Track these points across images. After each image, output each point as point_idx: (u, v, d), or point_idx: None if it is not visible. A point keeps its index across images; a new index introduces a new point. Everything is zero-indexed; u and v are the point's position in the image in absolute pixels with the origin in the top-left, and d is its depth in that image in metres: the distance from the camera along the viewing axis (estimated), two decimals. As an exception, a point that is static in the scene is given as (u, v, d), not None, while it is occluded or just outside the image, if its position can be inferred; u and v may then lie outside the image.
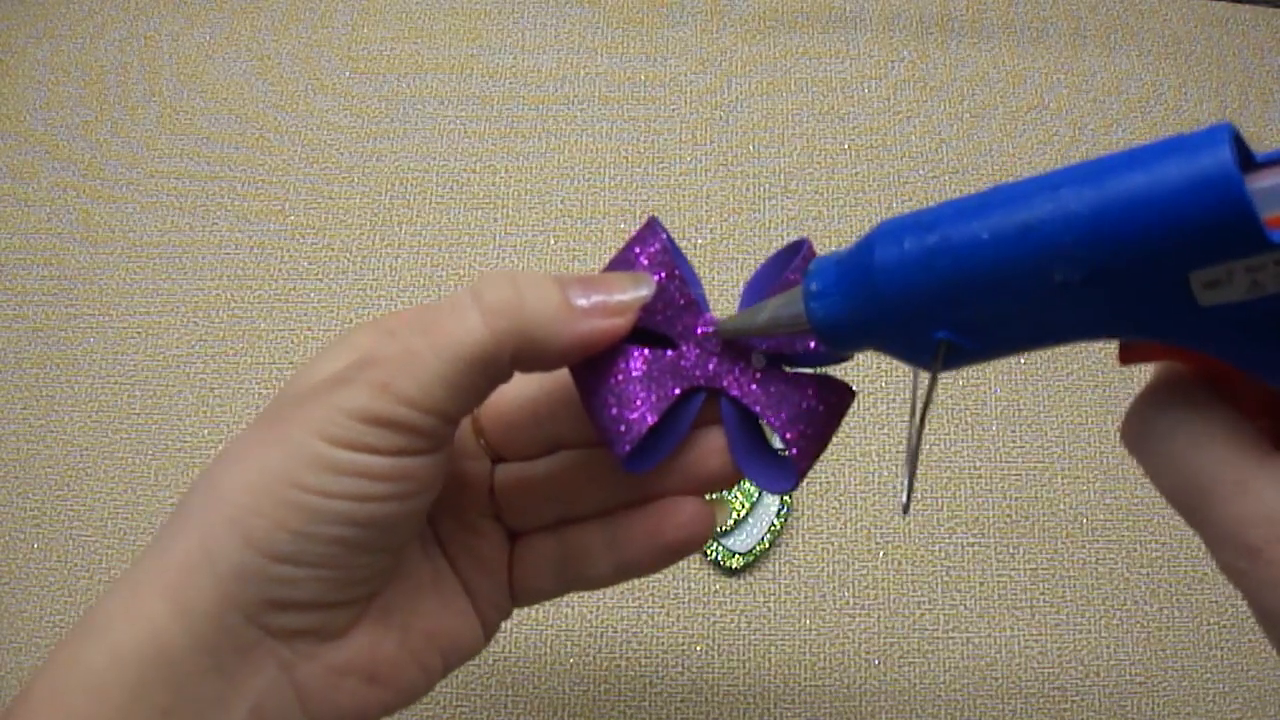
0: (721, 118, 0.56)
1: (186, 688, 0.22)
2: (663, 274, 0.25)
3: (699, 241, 0.52)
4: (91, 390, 0.49)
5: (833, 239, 0.53)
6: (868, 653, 0.44)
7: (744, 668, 0.44)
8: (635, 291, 0.24)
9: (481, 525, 0.28)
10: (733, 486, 0.27)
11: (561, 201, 0.53)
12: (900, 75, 0.57)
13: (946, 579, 0.46)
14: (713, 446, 0.26)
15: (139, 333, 0.50)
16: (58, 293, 0.51)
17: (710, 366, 0.25)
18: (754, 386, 0.25)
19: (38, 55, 0.58)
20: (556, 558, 0.28)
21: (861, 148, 0.55)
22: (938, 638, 0.44)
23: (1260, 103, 0.57)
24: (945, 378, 0.50)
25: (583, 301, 0.23)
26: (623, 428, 0.24)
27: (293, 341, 0.50)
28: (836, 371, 0.26)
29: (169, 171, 0.54)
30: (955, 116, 0.56)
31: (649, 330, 0.25)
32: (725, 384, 0.26)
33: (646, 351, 0.25)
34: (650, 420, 0.24)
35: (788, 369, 0.26)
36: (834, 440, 0.48)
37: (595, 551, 0.27)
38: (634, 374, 0.24)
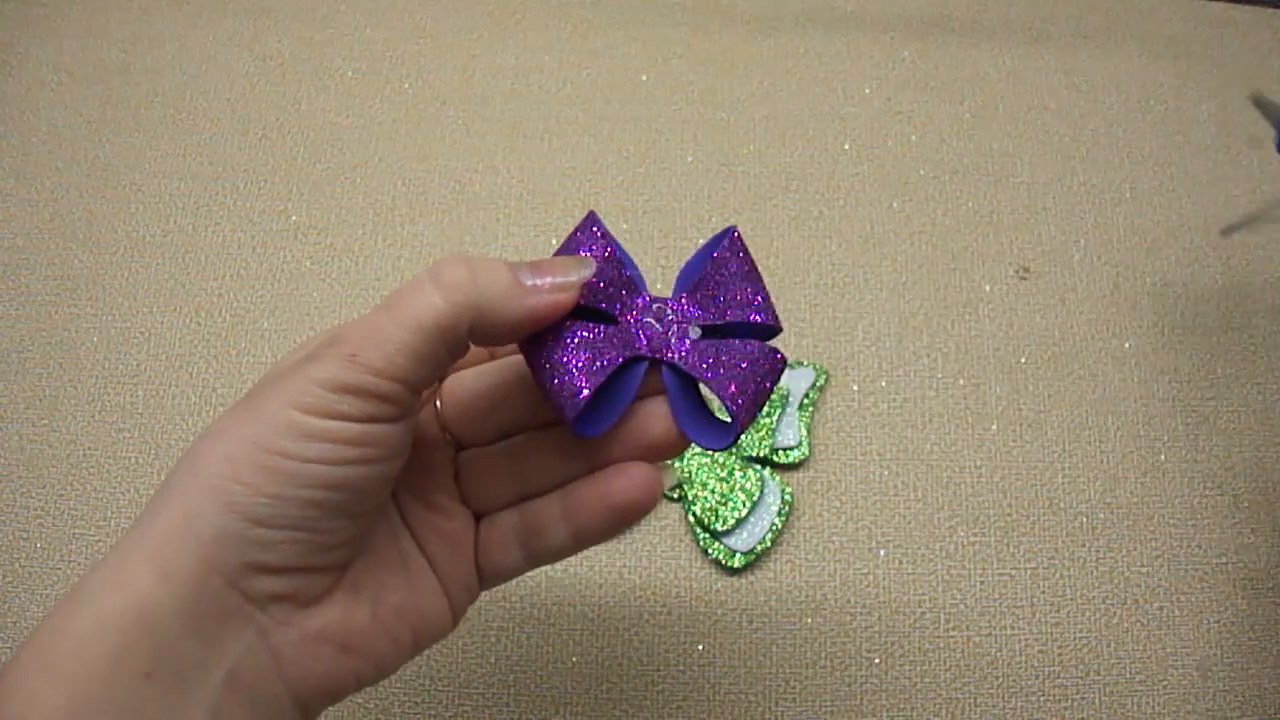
0: (721, 118, 0.56)
1: (168, 651, 0.22)
2: (602, 256, 0.28)
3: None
4: (94, 389, 0.49)
5: (833, 239, 0.53)
6: (868, 652, 0.44)
7: (744, 667, 0.44)
8: (578, 271, 0.27)
9: (448, 508, 0.30)
10: (679, 452, 0.29)
11: (563, 201, 0.53)
12: (900, 75, 0.57)
13: (947, 578, 0.46)
14: (656, 413, 0.28)
15: (142, 332, 0.51)
16: (61, 292, 0.52)
17: (650, 338, 0.28)
18: (692, 355, 0.28)
19: (41, 56, 0.58)
20: (519, 532, 0.29)
21: (861, 148, 0.55)
22: (938, 637, 0.44)
23: (1261, 103, 0.57)
24: (948, 377, 0.50)
25: (530, 280, 0.26)
26: (569, 394, 0.26)
27: (295, 341, 0.50)
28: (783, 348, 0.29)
29: (172, 172, 0.55)
30: (955, 116, 0.56)
31: (593, 309, 0.28)
32: (665, 353, 0.28)
33: (589, 326, 0.27)
34: (593, 384, 0.26)
35: (733, 341, 0.28)
36: (833, 440, 0.48)
37: (553, 521, 0.29)
38: (578, 346, 0.27)
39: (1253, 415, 0.49)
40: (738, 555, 0.45)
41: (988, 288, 0.52)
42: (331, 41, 0.58)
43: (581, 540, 0.29)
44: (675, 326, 0.28)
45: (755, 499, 0.46)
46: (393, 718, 0.43)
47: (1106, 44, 0.58)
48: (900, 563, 0.46)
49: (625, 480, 0.28)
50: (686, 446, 0.29)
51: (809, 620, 0.45)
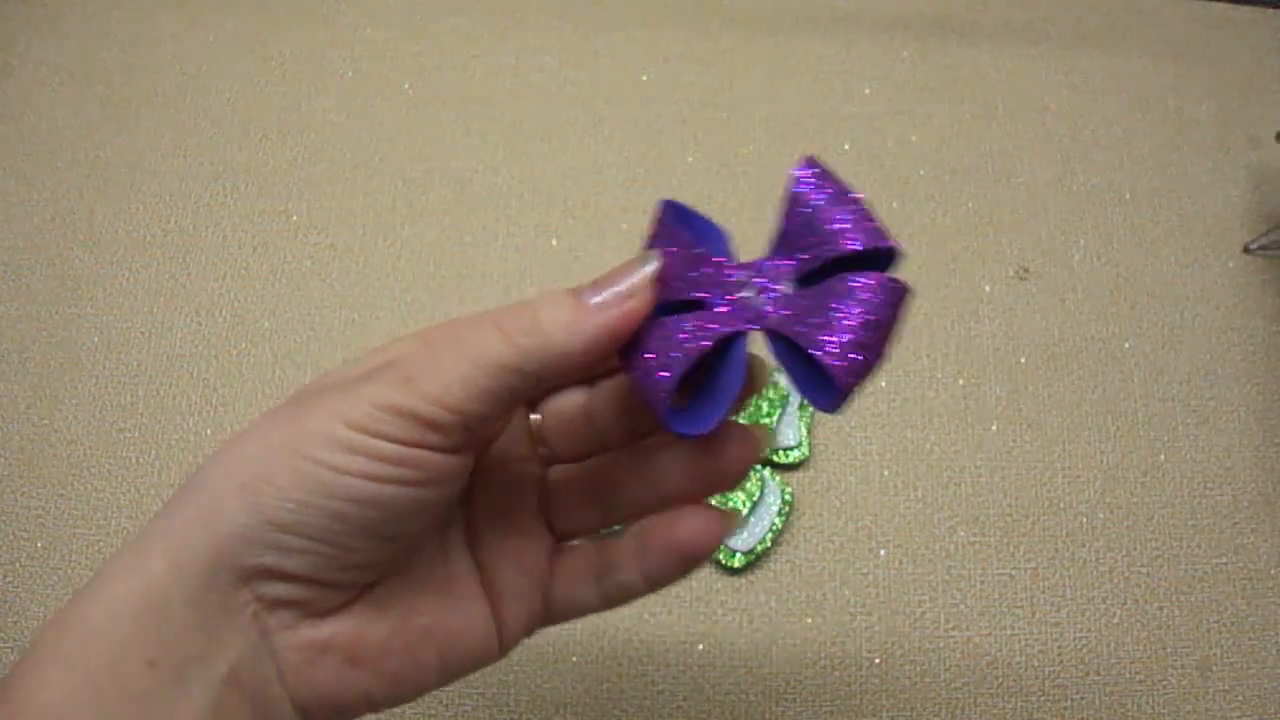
0: (722, 118, 0.56)
1: (172, 640, 0.22)
2: (677, 243, 0.25)
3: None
4: (94, 389, 0.49)
5: (833, 239, 0.53)
6: (868, 652, 0.44)
7: (745, 667, 0.44)
8: (642, 270, 0.25)
9: (528, 528, 0.28)
10: (758, 457, 0.27)
11: (563, 201, 0.53)
12: (900, 75, 0.57)
13: (947, 578, 0.46)
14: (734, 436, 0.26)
15: (142, 332, 0.51)
16: (61, 292, 0.52)
17: (743, 309, 0.24)
18: (786, 313, 0.24)
19: (42, 56, 0.58)
20: (595, 566, 0.28)
21: (861, 148, 0.55)
22: (938, 637, 0.44)
23: (1260, 103, 0.57)
24: (948, 377, 0.50)
25: (596, 298, 0.24)
26: (656, 390, 0.24)
27: (295, 341, 0.50)
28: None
29: (172, 171, 0.55)
30: (955, 116, 0.56)
31: (683, 301, 0.25)
32: (761, 321, 0.24)
33: (674, 316, 0.24)
34: (675, 372, 0.24)
35: (829, 281, 0.23)
36: (833, 440, 0.48)
37: (626, 556, 0.27)
38: (664, 340, 0.24)
39: (1253, 415, 0.49)
40: (738, 555, 0.45)
41: (988, 288, 0.52)
42: (331, 41, 0.58)
43: (651, 581, 0.27)
44: (768, 286, 0.24)
45: (755, 499, 0.46)
46: (393, 717, 0.43)
47: (1106, 44, 0.58)
48: (900, 563, 0.46)
49: (689, 521, 0.27)
50: (760, 453, 0.26)
51: (809, 620, 0.45)
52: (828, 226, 0.24)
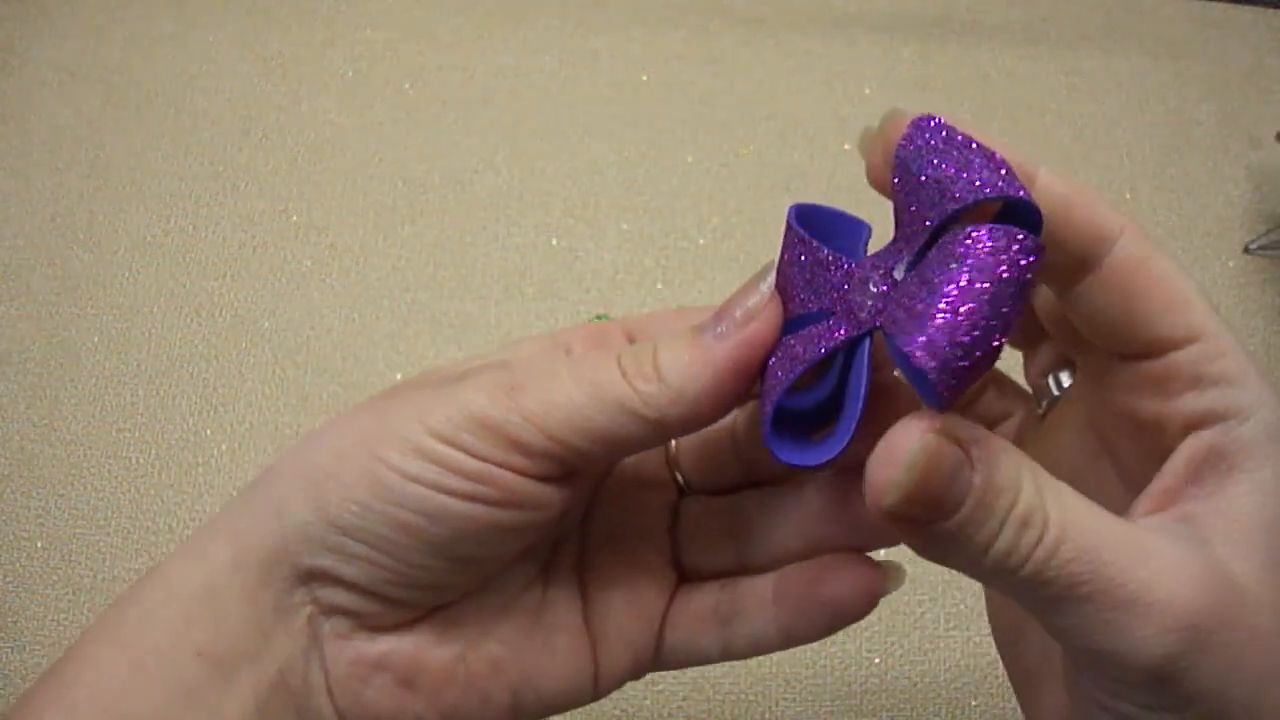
0: (721, 118, 0.56)
1: (225, 633, 0.22)
2: (799, 251, 0.22)
3: (700, 241, 0.52)
4: (95, 390, 0.49)
5: (833, 239, 0.53)
6: (868, 651, 0.44)
7: (744, 667, 0.44)
8: (758, 289, 0.22)
9: (648, 562, 0.26)
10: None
11: (564, 201, 0.53)
12: (900, 75, 0.57)
13: (947, 576, 0.46)
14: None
15: (142, 332, 0.51)
16: (61, 292, 0.51)
17: (853, 311, 0.20)
18: (891, 305, 0.19)
19: (41, 55, 0.58)
20: (721, 611, 0.25)
21: (862, 148, 0.55)
22: (938, 636, 0.44)
23: (1260, 103, 0.57)
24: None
25: (717, 329, 0.22)
26: (762, 417, 0.21)
27: (295, 341, 0.50)
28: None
29: (172, 172, 0.55)
30: (955, 117, 0.56)
31: (813, 314, 0.21)
32: (877, 319, 0.20)
33: (796, 333, 0.21)
34: (773, 396, 0.21)
35: (932, 251, 0.18)
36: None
37: (760, 607, 0.25)
38: (779, 361, 0.21)
39: (1253, 415, 0.49)
40: (738, 555, 0.45)
41: (988, 288, 0.52)
42: (331, 41, 0.58)
43: (787, 635, 0.25)
44: (884, 279, 0.20)
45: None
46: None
47: (1106, 44, 0.58)
48: (900, 561, 0.46)
49: (839, 571, 0.24)
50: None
51: (809, 620, 0.45)
52: (933, 187, 0.18)
